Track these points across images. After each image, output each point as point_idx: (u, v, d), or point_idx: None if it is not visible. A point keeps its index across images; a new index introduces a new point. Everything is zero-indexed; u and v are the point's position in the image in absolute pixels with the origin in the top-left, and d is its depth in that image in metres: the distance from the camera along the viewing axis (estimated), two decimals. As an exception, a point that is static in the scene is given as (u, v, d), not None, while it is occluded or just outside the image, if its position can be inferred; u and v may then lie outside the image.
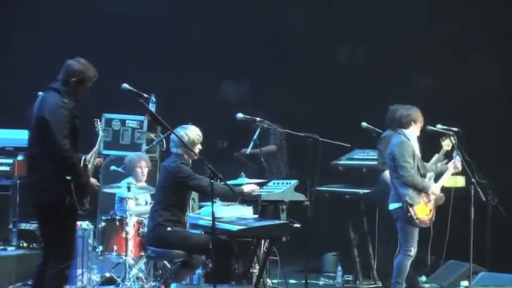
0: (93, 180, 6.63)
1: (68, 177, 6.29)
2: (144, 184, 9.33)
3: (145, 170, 9.44)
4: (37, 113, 6.42)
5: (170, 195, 7.61)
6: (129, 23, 12.26)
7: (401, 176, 8.15)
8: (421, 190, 8.20)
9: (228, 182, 7.29)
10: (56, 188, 6.33)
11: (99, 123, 7.34)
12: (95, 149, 6.96)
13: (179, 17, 12.48)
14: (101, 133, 7.21)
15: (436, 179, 8.44)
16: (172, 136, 7.63)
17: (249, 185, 7.74)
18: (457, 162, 8.49)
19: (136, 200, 9.37)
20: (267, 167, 10.68)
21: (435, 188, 8.31)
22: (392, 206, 8.30)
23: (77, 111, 6.48)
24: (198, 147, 7.71)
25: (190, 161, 7.69)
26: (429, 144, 8.73)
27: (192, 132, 7.71)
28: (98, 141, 7.12)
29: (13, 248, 9.61)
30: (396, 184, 8.23)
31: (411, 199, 8.12)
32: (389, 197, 8.40)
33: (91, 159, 6.85)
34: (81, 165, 6.50)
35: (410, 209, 8.09)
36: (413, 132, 8.35)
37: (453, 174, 8.72)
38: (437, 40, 11.91)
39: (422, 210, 8.19)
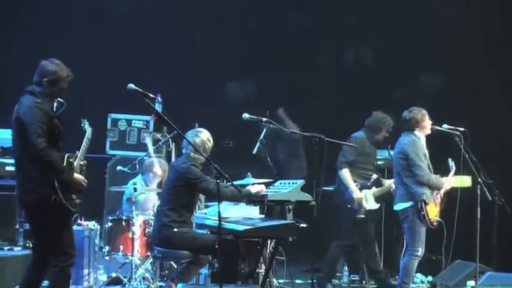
0: (79, 176, 6.61)
1: (49, 175, 6.33)
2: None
3: (157, 180, 9.47)
4: (14, 116, 6.50)
5: (178, 196, 7.62)
6: (135, 24, 12.27)
7: (417, 175, 8.16)
8: (436, 188, 8.22)
9: (235, 183, 7.28)
10: (40, 187, 6.38)
11: (85, 121, 7.28)
12: (82, 148, 6.91)
13: (185, 17, 12.48)
14: (87, 131, 7.17)
15: None
16: (189, 138, 7.62)
17: (255, 186, 7.73)
18: (449, 179, 8.52)
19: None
20: (272, 166, 10.68)
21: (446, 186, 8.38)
22: (401, 205, 8.29)
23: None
24: (208, 151, 7.72)
25: (200, 164, 7.70)
26: (436, 144, 8.72)
27: (210, 142, 7.74)
28: (85, 139, 7.09)
29: (19, 248, 9.59)
30: (409, 183, 8.22)
31: (427, 198, 8.14)
32: (396, 197, 8.40)
33: (78, 156, 6.80)
34: (65, 162, 6.51)
35: (425, 208, 8.10)
36: (421, 133, 8.35)
37: (457, 174, 8.74)
38: (443, 40, 11.90)
39: (433, 211, 8.21)
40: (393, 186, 9.11)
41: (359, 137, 9.41)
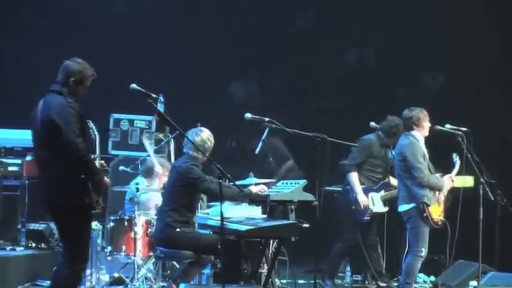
0: (107, 179, 6.62)
1: (83, 176, 6.28)
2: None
3: (158, 180, 9.47)
4: (43, 116, 6.35)
5: (180, 196, 7.60)
6: (136, 23, 12.27)
7: (416, 177, 8.15)
8: (436, 189, 8.20)
9: (237, 182, 7.28)
10: (74, 187, 6.31)
11: (92, 125, 7.30)
12: (95, 155, 6.95)
13: (187, 17, 12.48)
14: (97, 135, 7.21)
15: None
16: (190, 137, 7.61)
17: (257, 186, 7.73)
18: (452, 177, 8.50)
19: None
20: (275, 166, 10.69)
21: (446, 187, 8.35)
22: (404, 207, 8.28)
23: (83, 112, 6.48)
24: (209, 151, 7.70)
25: (201, 163, 7.69)
26: (436, 144, 8.72)
27: (210, 141, 7.72)
28: (98, 143, 7.12)
29: (22, 248, 9.60)
30: (410, 185, 8.21)
31: (429, 199, 8.13)
32: (399, 198, 8.39)
33: (97, 160, 6.84)
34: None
35: (427, 209, 8.09)
36: (420, 133, 8.34)
37: (460, 174, 8.74)
38: (446, 40, 11.89)
39: (436, 211, 8.20)
40: None
41: (367, 140, 9.39)
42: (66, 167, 6.28)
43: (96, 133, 7.24)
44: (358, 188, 9.27)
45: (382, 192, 9.31)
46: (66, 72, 6.49)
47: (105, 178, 6.58)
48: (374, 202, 9.28)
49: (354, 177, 9.32)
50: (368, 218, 9.27)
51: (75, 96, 6.47)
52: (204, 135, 7.72)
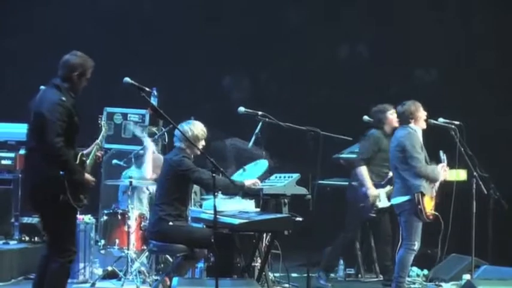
0: (88, 176, 6.60)
1: (62, 173, 6.29)
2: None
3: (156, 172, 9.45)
4: (35, 108, 6.39)
5: (172, 189, 7.60)
6: (130, 18, 12.26)
7: (414, 167, 8.12)
8: (433, 179, 8.20)
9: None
10: (50, 185, 6.33)
11: (102, 118, 7.36)
12: (97, 141, 6.95)
13: (180, 11, 12.47)
14: (103, 128, 7.21)
15: None
16: (176, 130, 7.61)
17: (250, 180, 7.72)
18: (445, 167, 8.48)
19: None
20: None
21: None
22: (399, 199, 8.26)
23: (79, 108, 6.48)
24: (201, 143, 7.69)
25: (193, 156, 7.68)
26: (432, 137, 8.72)
27: (196, 128, 7.70)
28: (101, 135, 7.10)
29: (15, 242, 9.62)
30: (407, 176, 8.18)
31: (425, 189, 8.11)
32: (394, 191, 8.39)
33: (92, 152, 6.82)
34: (78, 161, 6.49)
35: (422, 200, 8.08)
36: (417, 126, 8.33)
37: (453, 168, 8.73)
38: (440, 34, 11.92)
39: (429, 204, 8.19)
40: None
41: (375, 134, 9.34)
42: (45, 164, 6.32)
43: (104, 128, 7.24)
44: (369, 182, 9.19)
45: (388, 187, 9.25)
46: (67, 67, 6.49)
47: (87, 176, 6.57)
48: (380, 198, 9.24)
49: (363, 171, 9.23)
50: (373, 214, 9.24)
51: (76, 90, 6.51)
52: (195, 127, 7.70)
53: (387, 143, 9.09)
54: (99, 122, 7.35)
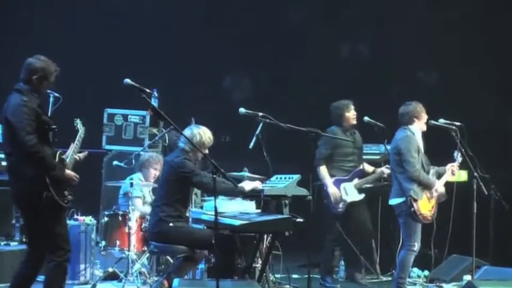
0: (70, 172, 6.63)
1: (40, 172, 6.33)
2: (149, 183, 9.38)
3: (158, 174, 9.44)
4: (3, 114, 6.49)
5: (173, 190, 7.58)
6: (130, 18, 12.26)
7: (407, 171, 8.15)
8: (426, 186, 8.20)
9: (231, 174, 7.27)
10: (31, 184, 6.38)
11: (78, 121, 7.37)
12: (73, 145, 6.98)
13: (180, 12, 12.47)
14: (80, 130, 7.25)
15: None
16: (184, 132, 7.58)
17: (250, 183, 7.70)
18: (454, 167, 8.49)
19: (143, 199, 9.40)
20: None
21: (439, 185, 8.32)
22: (395, 200, 8.28)
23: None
24: (205, 151, 7.66)
25: (194, 160, 7.67)
26: (433, 139, 8.72)
27: (204, 134, 7.69)
28: (77, 137, 7.14)
29: (16, 243, 9.60)
30: (400, 179, 8.22)
31: (415, 194, 8.12)
32: (391, 192, 8.40)
33: (70, 154, 6.86)
34: (57, 159, 6.52)
35: (414, 204, 8.09)
36: (417, 128, 8.34)
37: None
38: (440, 34, 11.92)
39: (425, 206, 8.19)
40: (385, 171, 9.18)
41: (329, 131, 9.34)
42: (24, 165, 6.38)
43: (82, 132, 7.26)
44: (327, 181, 9.25)
45: (356, 180, 9.29)
46: (28, 70, 6.58)
47: (68, 172, 6.59)
48: (347, 192, 9.26)
49: (322, 170, 9.30)
50: (342, 209, 9.26)
51: (38, 92, 6.58)
52: (204, 134, 7.69)
53: (345, 137, 9.28)
54: (75, 124, 7.36)
